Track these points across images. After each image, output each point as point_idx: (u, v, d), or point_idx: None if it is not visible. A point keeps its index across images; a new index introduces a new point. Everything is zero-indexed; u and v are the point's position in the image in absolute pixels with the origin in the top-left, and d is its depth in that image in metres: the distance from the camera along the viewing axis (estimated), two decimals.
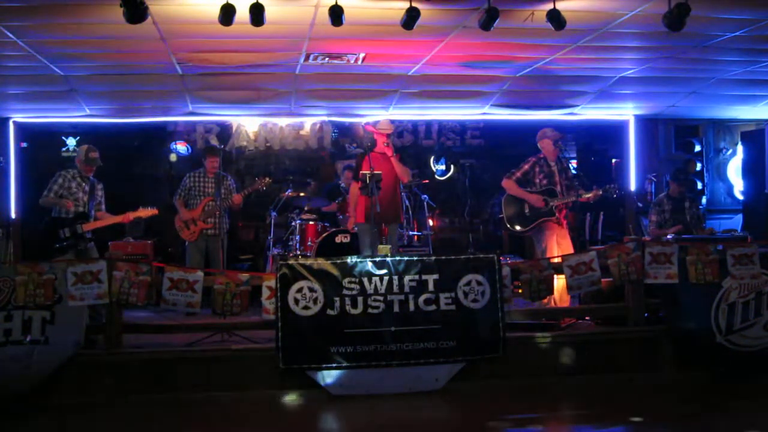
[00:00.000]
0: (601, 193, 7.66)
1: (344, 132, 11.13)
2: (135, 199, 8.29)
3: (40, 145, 10.35)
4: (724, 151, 11.47)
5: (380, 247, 6.68)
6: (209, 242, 8.66)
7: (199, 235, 8.65)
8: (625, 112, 10.97)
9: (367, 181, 7.18)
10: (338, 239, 8.77)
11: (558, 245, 7.58)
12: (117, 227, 9.64)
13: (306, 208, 9.40)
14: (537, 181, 7.77)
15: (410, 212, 9.66)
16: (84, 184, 7.56)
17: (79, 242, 7.39)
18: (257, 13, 6.00)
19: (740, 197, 11.16)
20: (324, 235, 8.82)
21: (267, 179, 8.96)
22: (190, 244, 8.69)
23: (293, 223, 9.27)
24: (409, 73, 8.73)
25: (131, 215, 7.81)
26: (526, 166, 7.81)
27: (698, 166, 11.19)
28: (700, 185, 11.16)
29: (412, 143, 11.33)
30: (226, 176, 8.81)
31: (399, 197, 7.92)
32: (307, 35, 7.20)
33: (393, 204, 7.67)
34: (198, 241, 8.66)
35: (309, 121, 11.00)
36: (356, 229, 7.79)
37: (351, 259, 6.02)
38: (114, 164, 10.86)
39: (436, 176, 11.37)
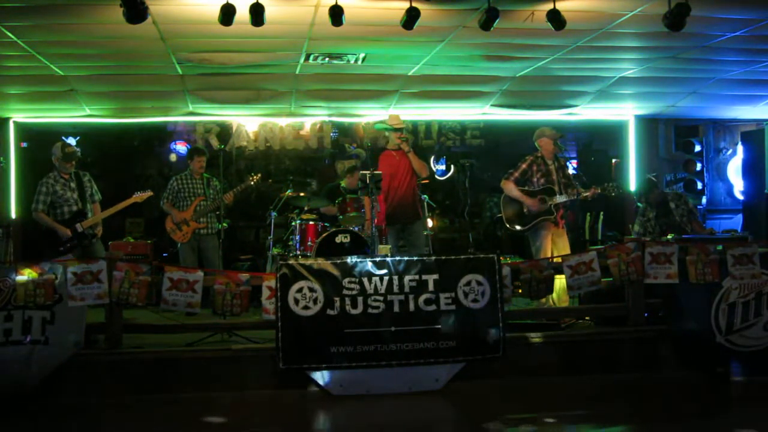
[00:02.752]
0: (599, 191, 7.65)
1: (344, 132, 11.13)
2: None
3: (40, 145, 10.31)
4: (724, 151, 11.47)
5: (381, 247, 6.69)
6: (202, 242, 8.63)
7: (192, 236, 8.61)
8: (625, 112, 10.97)
9: (367, 182, 7.16)
10: (338, 239, 8.74)
11: (554, 244, 7.58)
12: (117, 227, 9.68)
13: (306, 208, 9.39)
14: (535, 180, 7.76)
15: None
16: (69, 182, 7.49)
17: (82, 241, 7.38)
18: (257, 14, 6.00)
19: (740, 197, 11.16)
20: (324, 235, 8.80)
21: (257, 175, 8.93)
22: (183, 244, 8.63)
23: (293, 223, 9.26)
24: (409, 74, 8.73)
25: (127, 202, 7.81)
26: (524, 165, 7.79)
27: (698, 166, 11.20)
28: (700, 185, 11.17)
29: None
30: (211, 178, 8.80)
31: (417, 194, 7.82)
32: (307, 35, 7.20)
33: (413, 202, 7.58)
34: (191, 241, 8.62)
35: (309, 121, 11.01)
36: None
37: (351, 259, 6.02)
38: (114, 164, 10.91)
39: (436, 176, 11.36)
